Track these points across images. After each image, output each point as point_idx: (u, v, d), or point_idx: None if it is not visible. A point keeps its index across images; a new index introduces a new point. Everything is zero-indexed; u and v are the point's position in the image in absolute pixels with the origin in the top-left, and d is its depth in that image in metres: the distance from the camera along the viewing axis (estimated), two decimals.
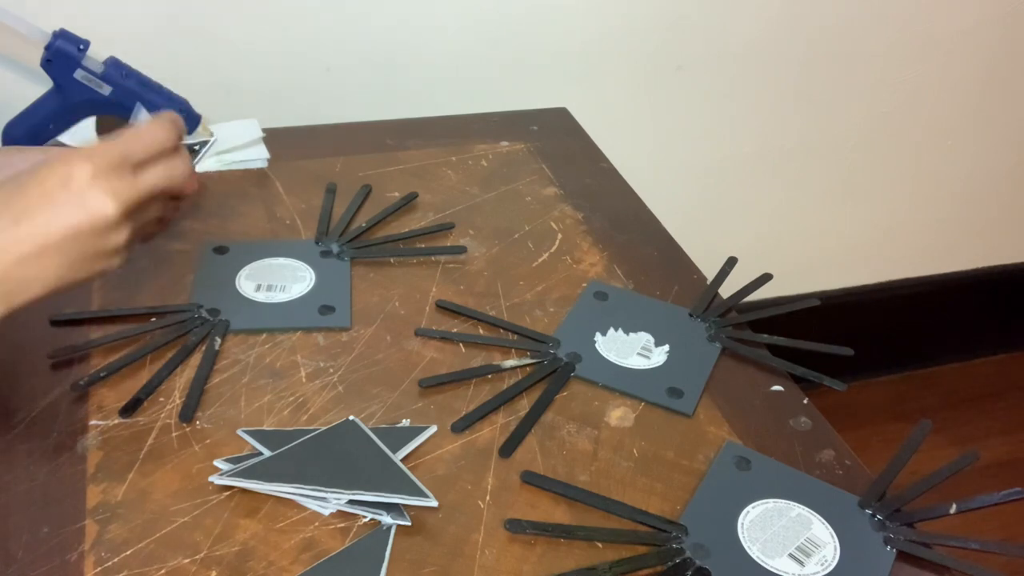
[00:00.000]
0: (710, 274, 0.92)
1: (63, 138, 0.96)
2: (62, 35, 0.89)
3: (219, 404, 0.72)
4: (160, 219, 0.67)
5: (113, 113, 0.94)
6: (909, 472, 0.70)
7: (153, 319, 0.79)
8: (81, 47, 0.90)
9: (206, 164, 0.99)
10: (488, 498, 0.67)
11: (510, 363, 0.79)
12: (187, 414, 0.71)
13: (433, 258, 0.91)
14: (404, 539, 0.63)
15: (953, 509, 0.67)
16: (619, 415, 0.75)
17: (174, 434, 0.70)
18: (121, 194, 0.59)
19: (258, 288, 0.84)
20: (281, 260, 0.88)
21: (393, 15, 1.17)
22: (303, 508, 0.65)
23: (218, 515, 0.64)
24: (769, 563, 0.63)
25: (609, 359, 0.80)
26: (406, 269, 0.89)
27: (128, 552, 0.61)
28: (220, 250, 0.88)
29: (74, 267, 0.59)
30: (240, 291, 0.84)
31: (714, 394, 0.78)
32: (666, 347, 0.82)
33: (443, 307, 0.84)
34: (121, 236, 0.60)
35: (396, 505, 0.65)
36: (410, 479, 0.66)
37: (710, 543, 0.64)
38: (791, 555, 0.64)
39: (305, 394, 0.74)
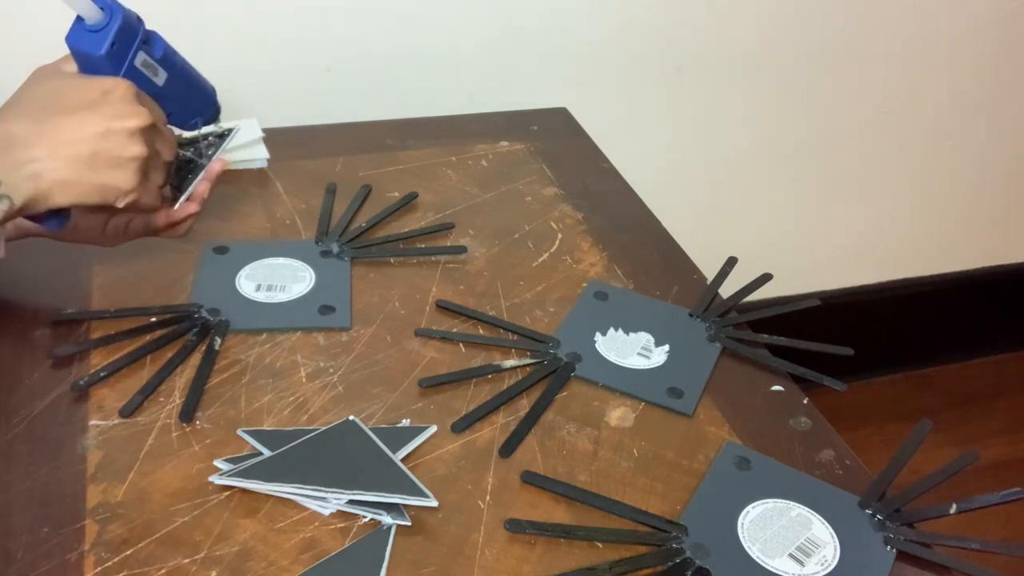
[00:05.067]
0: (710, 274, 0.92)
1: None
2: (124, 11, 0.72)
3: (219, 404, 0.72)
4: (156, 194, 0.74)
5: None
6: (909, 472, 0.70)
7: (153, 319, 0.79)
8: (140, 19, 0.74)
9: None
10: (488, 498, 0.67)
11: (510, 363, 0.79)
12: (187, 414, 0.71)
13: (433, 258, 0.91)
14: (404, 539, 0.63)
15: (953, 509, 0.67)
16: (619, 415, 0.75)
17: (174, 434, 0.70)
18: (148, 113, 0.69)
19: (258, 288, 0.84)
20: (281, 260, 0.88)
21: (393, 15, 1.17)
22: (303, 508, 0.65)
23: (218, 515, 0.64)
24: (769, 563, 0.63)
25: (609, 359, 0.80)
26: (406, 269, 0.89)
27: (128, 552, 0.61)
28: (220, 250, 0.88)
29: (93, 167, 0.67)
30: (240, 291, 0.84)
31: (714, 394, 0.78)
32: (666, 347, 0.82)
33: (443, 307, 0.84)
34: (138, 149, 0.68)
35: (396, 505, 0.64)
36: (410, 479, 0.66)
37: (710, 543, 0.64)
38: (791, 555, 0.64)
39: (305, 394, 0.74)
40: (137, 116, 0.68)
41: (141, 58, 0.74)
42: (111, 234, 0.79)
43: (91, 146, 0.66)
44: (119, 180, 0.68)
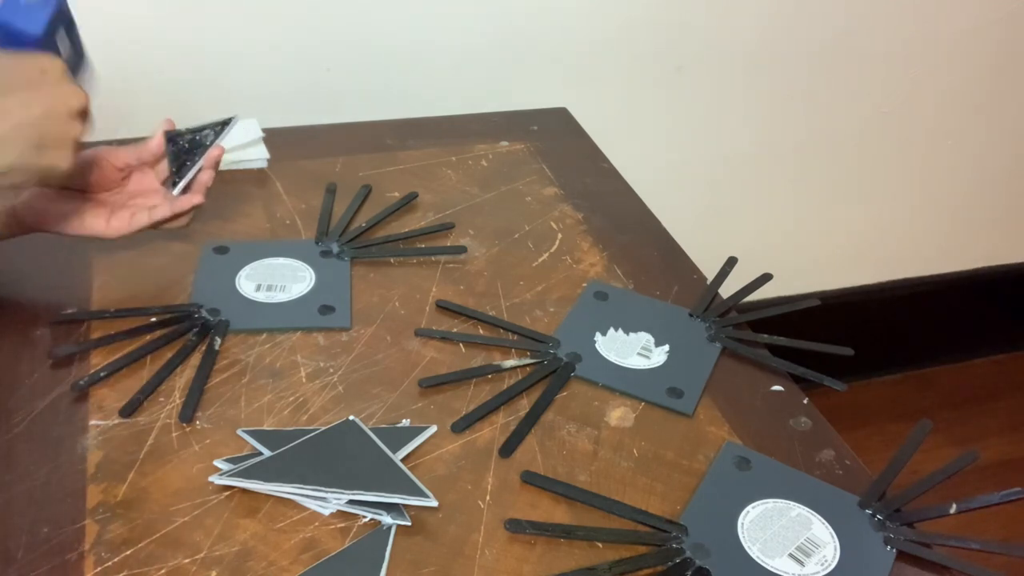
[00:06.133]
0: (710, 274, 0.92)
1: None
2: None
3: (219, 404, 0.72)
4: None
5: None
6: (909, 472, 0.70)
7: (153, 319, 0.79)
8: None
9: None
10: (488, 498, 0.67)
11: (510, 363, 0.79)
12: (187, 414, 0.71)
13: (433, 258, 0.91)
14: (404, 539, 0.63)
15: (953, 509, 0.67)
16: (619, 415, 0.75)
17: (174, 434, 0.70)
18: (85, 93, 0.68)
19: (258, 288, 0.84)
20: (281, 260, 0.88)
21: (393, 15, 1.17)
22: (303, 508, 0.65)
23: (218, 515, 0.64)
24: (769, 563, 0.63)
25: (609, 359, 0.80)
26: (406, 269, 0.89)
27: (128, 552, 0.61)
28: (220, 250, 0.88)
29: (40, 150, 0.66)
30: (240, 291, 0.84)
31: (714, 394, 0.78)
32: (666, 347, 0.82)
33: (443, 307, 0.84)
34: (79, 130, 0.68)
35: (396, 505, 0.65)
36: (410, 479, 0.66)
37: (710, 543, 0.64)
38: (791, 555, 0.64)
39: (305, 394, 0.74)
40: (77, 96, 0.67)
41: (60, 33, 0.73)
42: (115, 226, 0.79)
43: (38, 128, 0.65)
44: (60, 160, 0.67)
